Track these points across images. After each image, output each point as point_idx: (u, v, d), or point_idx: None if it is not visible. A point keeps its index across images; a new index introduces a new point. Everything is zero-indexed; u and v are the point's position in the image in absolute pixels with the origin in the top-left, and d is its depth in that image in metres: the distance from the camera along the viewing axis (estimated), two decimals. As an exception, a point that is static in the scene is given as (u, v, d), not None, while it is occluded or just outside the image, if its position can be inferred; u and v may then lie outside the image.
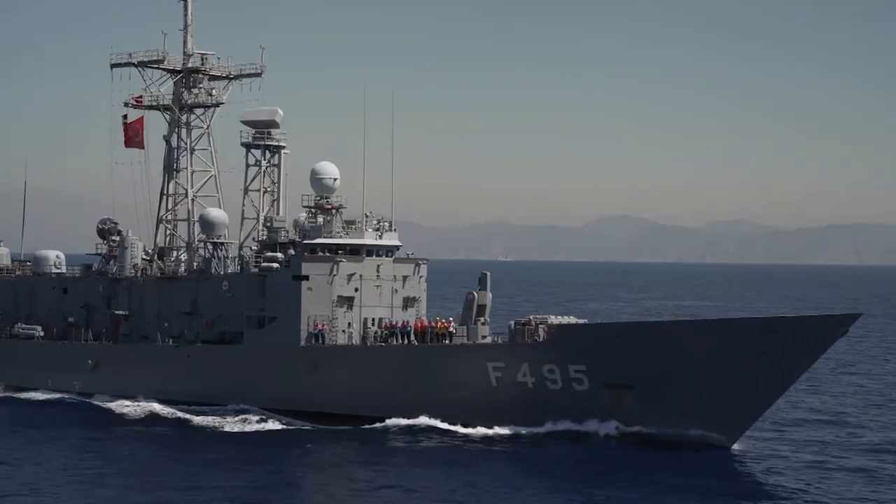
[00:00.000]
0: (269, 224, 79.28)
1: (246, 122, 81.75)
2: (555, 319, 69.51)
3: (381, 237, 77.23)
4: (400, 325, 73.48)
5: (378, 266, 76.50)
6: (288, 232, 78.14)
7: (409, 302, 77.63)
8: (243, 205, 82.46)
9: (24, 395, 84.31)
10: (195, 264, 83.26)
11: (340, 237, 76.11)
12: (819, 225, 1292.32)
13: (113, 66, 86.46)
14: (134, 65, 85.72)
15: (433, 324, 72.59)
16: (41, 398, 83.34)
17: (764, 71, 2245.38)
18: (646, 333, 65.95)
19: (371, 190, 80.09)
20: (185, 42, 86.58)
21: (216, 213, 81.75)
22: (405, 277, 77.70)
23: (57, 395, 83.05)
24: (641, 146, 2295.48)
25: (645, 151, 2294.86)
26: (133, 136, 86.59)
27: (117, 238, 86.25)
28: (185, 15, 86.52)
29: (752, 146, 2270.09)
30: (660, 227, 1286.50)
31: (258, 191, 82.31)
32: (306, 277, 74.65)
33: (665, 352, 63.74)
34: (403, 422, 69.88)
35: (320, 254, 75.52)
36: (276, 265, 76.27)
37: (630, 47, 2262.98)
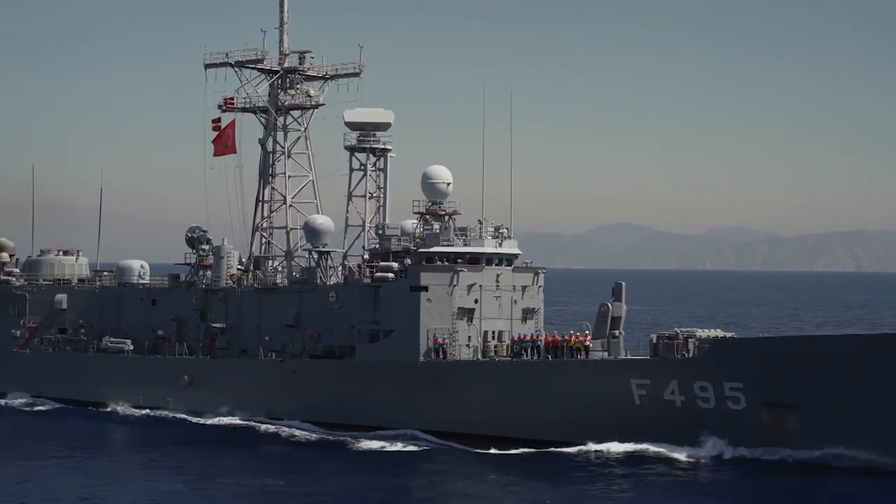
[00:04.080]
0: (380, 231, 75.04)
1: (350, 124, 77.47)
2: (702, 333, 65.38)
3: (500, 245, 73.09)
4: (530, 338, 69.27)
5: (497, 276, 72.39)
6: (401, 240, 73.83)
7: (528, 313, 73.56)
8: (347, 211, 78.27)
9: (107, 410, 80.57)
10: (295, 274, 78.97)
11: (459, 245, 71.88)
12: (818, 231, 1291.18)
13: (207, 66, 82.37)
14: (230, 65, 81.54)
15: (567, 337, 68.36)
16: (137, 414, 79.41)
17: (763, 78, 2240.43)
18: (815, 348, 61.58)
19: (467, 193, 75.91)
20: (281, 40, 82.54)
21: (322, 220, 77.26)
22: (524, 287, 73.60)
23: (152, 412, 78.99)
24: (642, 154, 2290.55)
25: (645, 159, 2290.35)
26: (224, 141, 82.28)
27: (207, 247, 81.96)
28: (282, 12, 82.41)
29: (753, 153, 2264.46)
30: (660, 234, 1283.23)
31: (362, 196, 78.13)
32: (425, 288, 70.48)
33: (838, 368, 59.49)
34: (536, 441, 65.64)
35: (438, 263, 71.32)
36: (390, 275, 71.99)
37: (632, 55, 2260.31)
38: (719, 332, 66.26)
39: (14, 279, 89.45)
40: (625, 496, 56.39)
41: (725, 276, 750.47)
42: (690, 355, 63.91)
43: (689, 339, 64.44)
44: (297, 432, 71.62)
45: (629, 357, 67.38)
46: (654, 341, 65.97)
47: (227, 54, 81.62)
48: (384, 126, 77.09)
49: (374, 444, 67.91)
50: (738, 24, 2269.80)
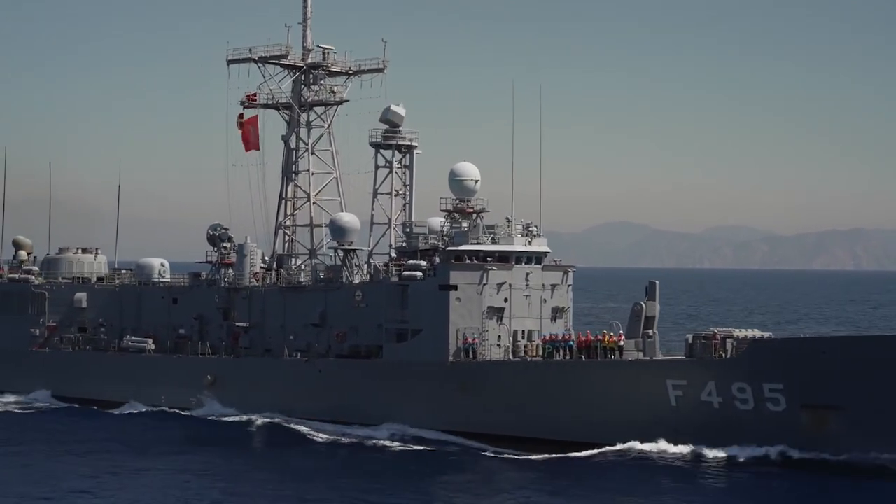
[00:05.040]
0: (407, 229, 73.91)
1: (382, 121, 76.43)
2: (739, 333, 64.26)
3: (529, 243, 71.98)
4: (562, 338, 68.14)
5: (527, 274, 71.27)
6: (428, 238, 72.65)
7: (557, 313, 72.44)
8: (372, 209, 77.20)
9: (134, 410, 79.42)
10: (319, 273, 77.79)
11: (488, 243, 70.70)
12: (817, 230, 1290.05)
13: (230, 62, 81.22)
14: (254, 60, 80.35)
15: (600, 337, 67.20)
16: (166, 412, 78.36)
17: (763, 78, 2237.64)
18: (861, 349, 60.44)
19: (496, 189, 74.74)
20: (304, 36, 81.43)
21: (348, 218, 76.08)
22: (553, 286, 72.50)
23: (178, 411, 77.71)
24: (642, 154, 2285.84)
25: (645, 159, 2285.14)
26: (247, 138, 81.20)
27: (228, 245, 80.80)
28: (305, 7, 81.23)
29: (752, 151, 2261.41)
30: (659, 232, 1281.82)
31: (388, 193, 77.04)
32: (454, 287, 69.32)
33: (883, 369, 58.27)
34: (566, 442, 64.40)
35: (467, 261, 70.18)
36: (419, 274, 70.83)
37: (632, 55, 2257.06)
38: (757, 332, 65.15)
39: (33, 277, 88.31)
40: (658, 498, 55.41)
41: (724, 274, 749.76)
42: (728, 356, 62.80)
43: (727, 340, 63.30)
44: (321, 432, 70.63)
45: (664, 357, 66.30)
46: (690, 341, 64.87)
47: (250, 50, 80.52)
48: (398, 121, 75.84)
49: (396, 445, 67.16)
50: (738, 24, 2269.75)
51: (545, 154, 73.78)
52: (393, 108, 76.04)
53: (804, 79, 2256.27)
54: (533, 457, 63.87)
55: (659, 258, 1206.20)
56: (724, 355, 62.92)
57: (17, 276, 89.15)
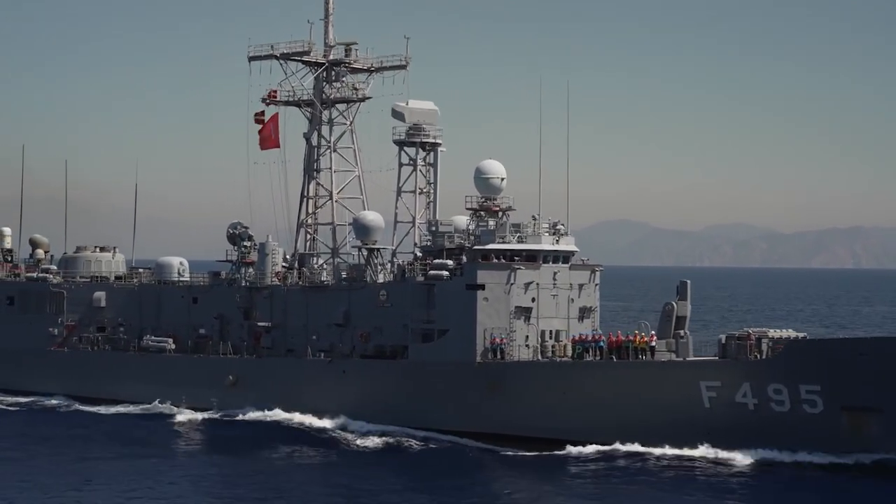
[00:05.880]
0: (433, 228, 72.97)
1: (399, 116, 75.61)
2: (774, 333, 63.36)
3: (557, 242, 71.07)
4: (592, 338, 67.23)
5: (555, 273, 70.36)
6: (454, 237, 71.70)
7: (585, 312, 71.54)
8: (396, 207, 76.39)
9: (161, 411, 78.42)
10: (342, 272, 76.86)
11: (514, 242, 69.78)
12: (816, 228, 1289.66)
13: (251, 59, 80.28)
14: (276, 57, 79.37)
15: (631, 338, 66.27)
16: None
17: (763, 78, 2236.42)
18: (900, 349, 59.57)
19: (515, 188, 72.83)
20: (326, 32, 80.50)
21: (372, 217, 75.13)
22: (581, 286, 71.58)
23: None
24: (642, 154, 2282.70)
25: (645, 159, 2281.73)
26: (267, 135, 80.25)
27: (248, 244, 79.78)
28: (327, 3, 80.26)
29: (751, 150, 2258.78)
30: (659, 230, 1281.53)
31: (412, 192, 76.18)
32: (482, 286, 68.42)
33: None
34: (599, 446, 63.65)
35: (495, 260, 69.25)
36: (445, 273, 69.89)
37: (632, 55, 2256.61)
38: (791, 333, 64.26)
39: (51, 276, 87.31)
40: (691, 501, 54.62)
41: (723, 273, 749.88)
42: (764, 356, 61.91)
43: (762, 340, 62.41)
44: (346, 432, 69.95)
45: (697, 358, 65.38)
46: (724, 342, 63.94)
47: (272, 47, 79.55)
48: (400, 119, 75.27)
49: (423, 445, 66.47)
50: (738, 24, 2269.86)
51: (547, 152, 72.86)
52: (394, 106, 75.45)
53: (804, 79, 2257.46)
54: (558, 455, 63.26)
55: (658, 256, 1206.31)
56: (758, 356, 62.05)
57: (35, 274, 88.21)
